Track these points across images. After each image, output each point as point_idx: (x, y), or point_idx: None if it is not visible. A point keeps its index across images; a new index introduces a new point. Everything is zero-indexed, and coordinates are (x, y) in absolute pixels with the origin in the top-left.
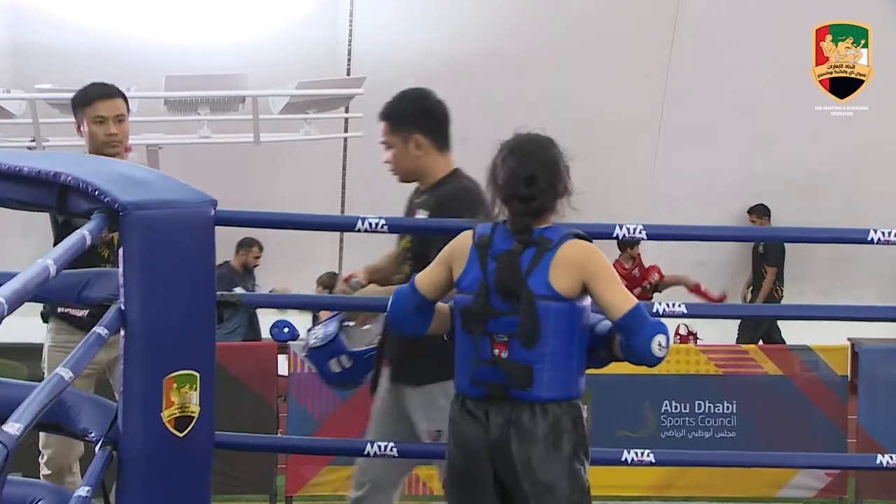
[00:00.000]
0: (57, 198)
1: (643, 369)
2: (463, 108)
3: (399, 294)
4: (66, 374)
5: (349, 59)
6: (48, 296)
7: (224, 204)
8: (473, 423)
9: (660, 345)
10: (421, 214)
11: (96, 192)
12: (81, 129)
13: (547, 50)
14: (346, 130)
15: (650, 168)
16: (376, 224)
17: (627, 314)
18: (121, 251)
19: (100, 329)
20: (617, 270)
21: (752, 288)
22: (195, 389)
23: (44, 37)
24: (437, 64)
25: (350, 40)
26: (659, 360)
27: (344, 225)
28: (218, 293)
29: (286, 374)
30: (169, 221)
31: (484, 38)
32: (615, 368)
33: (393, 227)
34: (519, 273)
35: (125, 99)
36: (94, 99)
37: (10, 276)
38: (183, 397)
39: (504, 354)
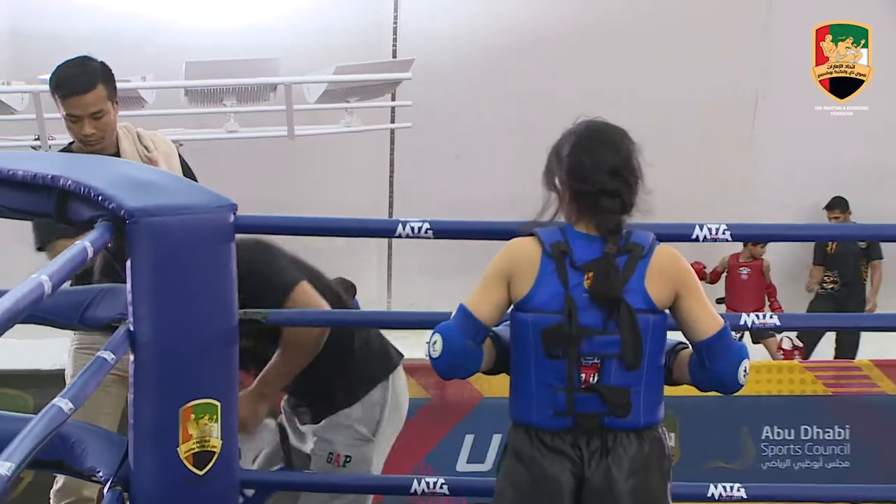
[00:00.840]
0: (56, 205)
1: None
2: (529, 93)
3: (449, 329)
4: (66, 405)
5: (395, 39)
6: (47, 316)
7: (255, 208)
8: (560, 459)
9: (745, 370)
10: None
11: (99, 198)
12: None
13: (625, 22)
14: (392, 121)
15: (744, 156)
16: (419, 228)
17: (717, 335)
18: (128, 264)
19: (105, 354)
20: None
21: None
22: (216, 421)
23: (48, 21)
24: (498, 43)
25: (396, 17)
26: (741, 387)
27: (382, 230)
28: (240, 310)
29: None
30: (182, 229)
31: (553, 12)
32: None
33: (438, 231)
34: (620, 284)
35: (107, 83)
36: (65, 95)
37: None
38: (202, 430)
39: (594, 379)
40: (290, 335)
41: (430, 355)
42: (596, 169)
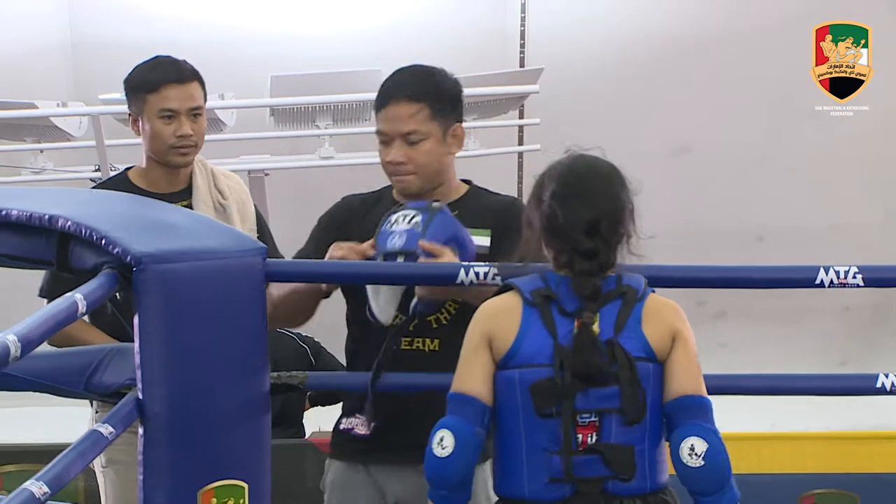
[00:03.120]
0: (56, 250)
1: None
2: (682, 108)
3: (455, 422)
4: (38, 489)
5: (522, 45)
6: (46, 382)
7: None
8: None
9: (691, 449)
10: (477, 239)
11: (103, 241)
12: (139, 124)
13: (797, 21)
14: (520, 143)
15: None
16: (485, 274)
17: (685, 398)
18: (136, 320)
19: (102, 428)
20: None
21: None
22: None
23: (111, 33)
24: (649, 47)
25: (524, 18)
26: (691, 471)
27: (441, 276)
28: (273, 374)
29: None
30: (201, 278)
31: (713, 13)
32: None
33: (508, 276)
34: (602, 356)
35: (202, 83)
36: (159, 83)
37: None
38: None
39: (592, 439)
40: None
41: (436, 455)
42: (571, 226)
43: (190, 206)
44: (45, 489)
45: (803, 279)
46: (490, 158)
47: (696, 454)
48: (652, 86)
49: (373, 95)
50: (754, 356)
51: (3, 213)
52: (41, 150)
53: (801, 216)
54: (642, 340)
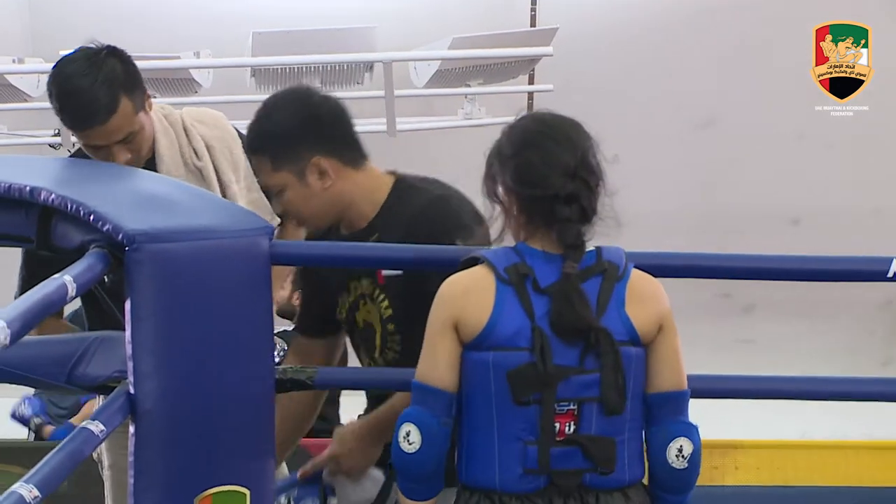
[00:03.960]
0: (37, 226)
1: None
2: (710, 75)
3: (418, 414)
4: (29, 492)
5: (534, 2)
6: (25, 373)
7: None
8: None
9: (679, 451)
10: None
11: (91, 217)
12: None
13: None
14: (529, 111)
15: None
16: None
17: (669, 394)
18: (128, 305)
19: (91, 425)
20: None
21: None
22: None
23: None
24: (672, 7)
25: None
26: (673, 471)
27: (456, 260)
28: (279, 368)
29: None
30: (200, 259)
31: None
32: None
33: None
34: (589, 311)
35: (131, 89)
36: (76, 127)
37: None
38: None
39: (570, 429)
40: None
41: (402, 451)
42: (549, 169)
43: None
44: (36, 493)
45: (873, 271)
46: (496, 128)
47: (682, 456)
48: (677, 50)
49: (367, 56)
50: (785, 354)
51: None
52: None
53: (842, 196)
54: (626, 323)
